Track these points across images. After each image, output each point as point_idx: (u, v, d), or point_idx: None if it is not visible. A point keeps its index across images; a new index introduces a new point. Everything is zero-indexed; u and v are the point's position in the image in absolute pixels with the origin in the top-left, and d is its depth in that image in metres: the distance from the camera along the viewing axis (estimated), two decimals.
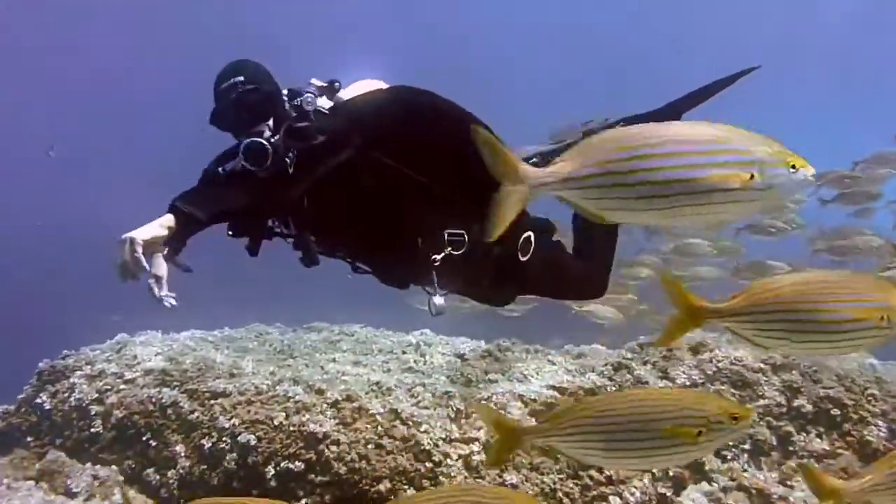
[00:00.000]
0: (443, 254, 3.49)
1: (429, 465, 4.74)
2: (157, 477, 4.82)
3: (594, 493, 4.67)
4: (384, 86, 3.74)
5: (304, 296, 11.49)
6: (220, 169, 3.31)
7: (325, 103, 3.43)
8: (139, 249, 2.80)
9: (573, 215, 4.09)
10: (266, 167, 3.18)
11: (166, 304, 2.97)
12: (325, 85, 3.45)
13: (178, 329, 6.52)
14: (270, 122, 3.29)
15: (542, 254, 3.76)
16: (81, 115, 24.40)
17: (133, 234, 2.86)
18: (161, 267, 3.08)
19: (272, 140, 3.23)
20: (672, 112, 4.19)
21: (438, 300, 3.55)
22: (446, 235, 3.50)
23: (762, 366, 5.21)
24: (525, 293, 4.11)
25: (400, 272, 3.70)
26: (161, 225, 2.93)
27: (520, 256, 3.66)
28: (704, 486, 4.59)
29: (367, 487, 4.66)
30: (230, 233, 3.44)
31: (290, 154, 3.20)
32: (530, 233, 3.69)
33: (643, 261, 8.66)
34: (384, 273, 3.74)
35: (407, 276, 3.71)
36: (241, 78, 3.36)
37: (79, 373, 5.37)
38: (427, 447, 4.82)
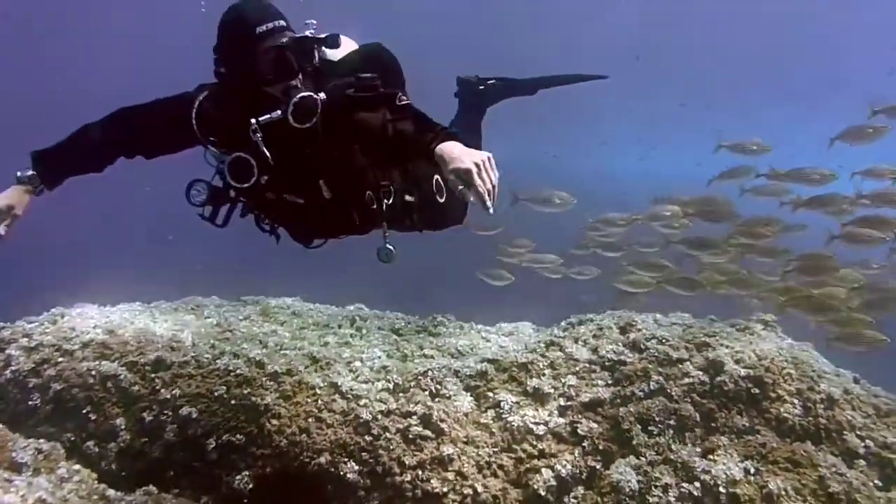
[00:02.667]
0: (385, 203, 3.71)
1: (368, 438, 4.86)
2: (97, 450, 4.82)
3: (527, 465, 4.85)
4: (355, 44, 3.87)
5: (234, 268, 11.45)
6: (252, 119, 3.32)
7: None
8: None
9: None
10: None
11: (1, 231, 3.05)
12: (322, 38, 3.50)
13: (113, 302, 6.48)
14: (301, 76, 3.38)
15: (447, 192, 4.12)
16: None
17: (487, 154, 2.95)
18: (23, 206, 3.17)
19: (320, 97, 3.33)
20: (534, 85, 4.79)
21: (390, 247, 3.77)
22: (381, 186, 3.76)
23: (687, 345, 5.44)
24: (438, 228, 4.38)
25: (357, 224, 3.88)
26: None
27: (438, 198, 4.05)
28: (632, 459, 4.79)
29: (307, 460, 4.77)
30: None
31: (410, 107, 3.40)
32: (437, 176, 4.05)
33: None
34: (334, 227, 3.90)
35: (358, 228, 3.91)
36: (284, 23, 3.35)
37: (15, 345, 5.30)
38: (366, 420, 4.94)
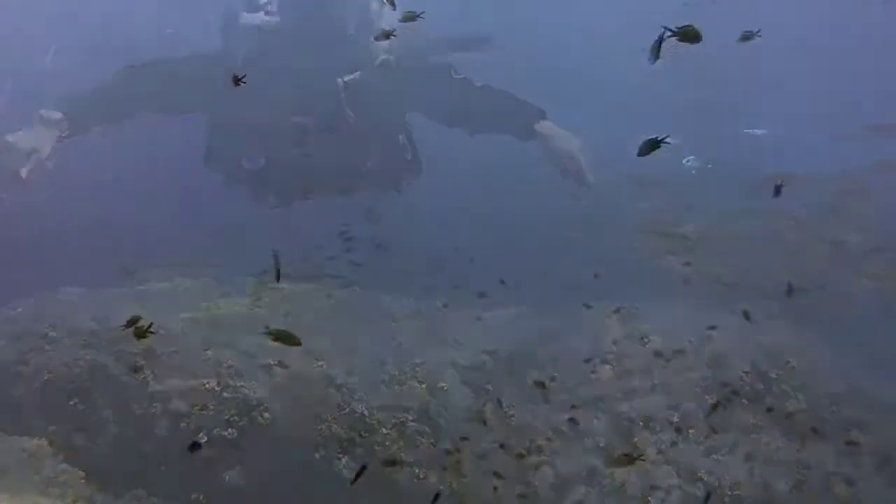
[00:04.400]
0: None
1: (364, 433, 4.75)
2: (85, 444, 4.71)
3: (527, 461, 4.75)
4: None
5: (221, 248, 11.22)
6: (340, 79, 3.69)
7: None
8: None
9: None
10: None
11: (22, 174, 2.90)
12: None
13: (102, 286, 6.31)
14: None
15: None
16: None
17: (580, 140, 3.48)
18: (47, 149, 3.05)
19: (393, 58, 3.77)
20: None
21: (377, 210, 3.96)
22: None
23: (691, 339, 5.32)
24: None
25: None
26: None
27: (405, 156, 4.42)
28: (634, 457, 4.69)
29: (301, 455, 4.67)
30: None
31: None
32: (402, 135, 4.36)
33: None
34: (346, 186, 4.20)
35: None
36: None
37: None
38: (361, 414, 4.82)
